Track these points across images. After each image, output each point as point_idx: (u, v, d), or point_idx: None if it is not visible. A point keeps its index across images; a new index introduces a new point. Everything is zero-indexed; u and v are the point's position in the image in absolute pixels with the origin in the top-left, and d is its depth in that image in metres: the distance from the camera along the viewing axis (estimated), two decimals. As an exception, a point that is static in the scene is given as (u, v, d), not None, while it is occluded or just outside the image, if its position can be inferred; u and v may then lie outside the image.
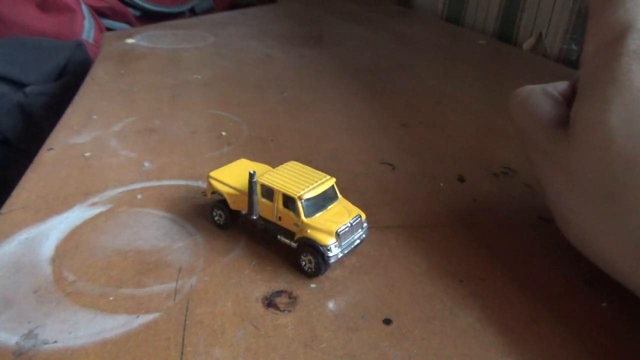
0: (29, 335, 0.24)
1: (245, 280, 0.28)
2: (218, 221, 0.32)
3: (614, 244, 0.24)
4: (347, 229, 0.28)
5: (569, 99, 0.29)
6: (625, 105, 0.24)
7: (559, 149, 0.27)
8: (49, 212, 0.34)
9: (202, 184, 0.38)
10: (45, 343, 0.24)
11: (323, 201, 0.29)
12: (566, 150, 0.26)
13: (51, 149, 0.42)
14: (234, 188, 0.31)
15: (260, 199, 0.30)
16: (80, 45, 0.81)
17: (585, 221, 0.25)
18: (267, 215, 0.30)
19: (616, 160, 0.23)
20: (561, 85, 0.30)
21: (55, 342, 0.24)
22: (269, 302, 0.27)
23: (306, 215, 0.28)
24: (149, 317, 0.26)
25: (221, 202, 0.32)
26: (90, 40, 0.90)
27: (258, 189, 0.29)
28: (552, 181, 0.28)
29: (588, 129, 0.25)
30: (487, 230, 0.34)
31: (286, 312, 0.26)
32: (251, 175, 0.29)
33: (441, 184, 0.39)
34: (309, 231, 0.28)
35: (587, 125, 0.25)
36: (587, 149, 0.25)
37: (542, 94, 0.30)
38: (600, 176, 0.24)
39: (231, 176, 0.32)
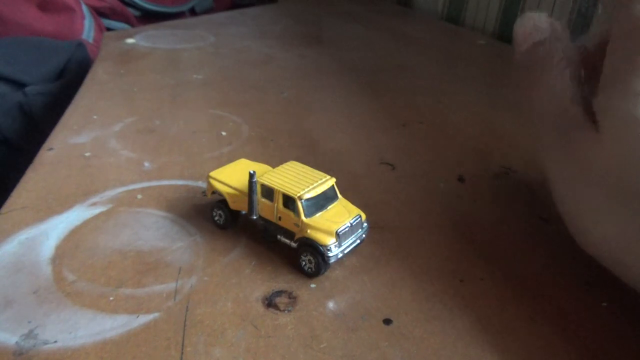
0: (29, 335, 0.24)
1: (245, 280, 0.28)
2: (218, 221, 0.32)
3: None
4: (347, 229, 0.28)
5: (593, 57, 0.26)
6: None
7: (580, 138, 0.24)
8: (49, 212, 0.34)
9: (202, 184, 0.38)
10: (45, 343, 0.24)
11: (323, 201, 0.29)
12: (589, 142, 0.24)
13: (51, 149, 0.42)
14: (234, 188, 0.31)
15: (260, 199, 0.30)
16: (80, 45, 0.81)
17: (608, 229, 0.23)
18: (267, 215, 0.30)
19: None
20: (582, 44, 0.27)
21: (55, 342, 0.24)
22: (269, 302, 0.27)
23: (306, 215, 0.28)
24: (149, 317, 0.26)
25: (221, 202, 0.32)
26: (90, 40, 0.90)
27: (258, 189, 0.29)
28: (566, 173, 0.25)
29: (617, 124, 0.23)
30: (487, 231, 0.34)
31: (286, 312, 0.26)
32: (251, 175, 0.29)
33: (441, 184, 0.39)
34: (309, 231, 0.28)
35: (615, 120, 0.23)
36: (615, 147, 0.23)
37: (563, 68, 0.26)
38: (629, 179, 0.22)
39: (231, 176, 0.32)
